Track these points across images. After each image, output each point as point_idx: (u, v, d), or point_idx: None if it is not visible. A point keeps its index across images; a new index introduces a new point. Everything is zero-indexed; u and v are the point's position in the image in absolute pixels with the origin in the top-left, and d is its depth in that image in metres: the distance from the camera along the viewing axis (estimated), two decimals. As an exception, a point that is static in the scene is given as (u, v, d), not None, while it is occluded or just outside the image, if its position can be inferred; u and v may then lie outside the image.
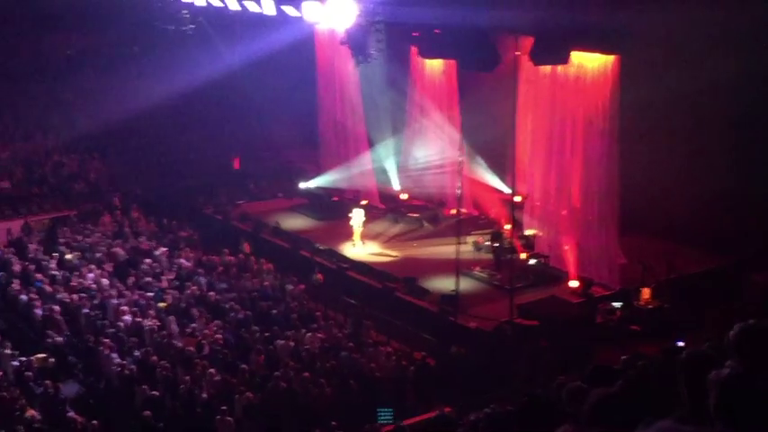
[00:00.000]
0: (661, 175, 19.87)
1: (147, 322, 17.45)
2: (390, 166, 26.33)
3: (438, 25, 19.77)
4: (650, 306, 18.01)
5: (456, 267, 18.82)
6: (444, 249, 21.20)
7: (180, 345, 16.44)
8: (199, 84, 28.21)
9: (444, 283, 19.35)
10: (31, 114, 30.49)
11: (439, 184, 24.93)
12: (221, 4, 23.84)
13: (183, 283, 19.83)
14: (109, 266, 20.91)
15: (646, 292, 18.19)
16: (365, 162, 25.84)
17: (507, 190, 22.07)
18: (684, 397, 3.41)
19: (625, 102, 18.12)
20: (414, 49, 23.76)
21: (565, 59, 18.18)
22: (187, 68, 28.20)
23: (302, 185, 27.18)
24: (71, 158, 28.67)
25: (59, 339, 16.90)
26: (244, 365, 15.56)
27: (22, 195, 26.36)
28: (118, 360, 15.78)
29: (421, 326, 18.20)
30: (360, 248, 22.42)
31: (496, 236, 20.79)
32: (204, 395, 14.55)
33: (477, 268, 20.39)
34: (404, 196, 26.30)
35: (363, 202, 24.82)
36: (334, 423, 13.40)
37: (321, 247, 22.53)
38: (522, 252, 20.64)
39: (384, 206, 25.66)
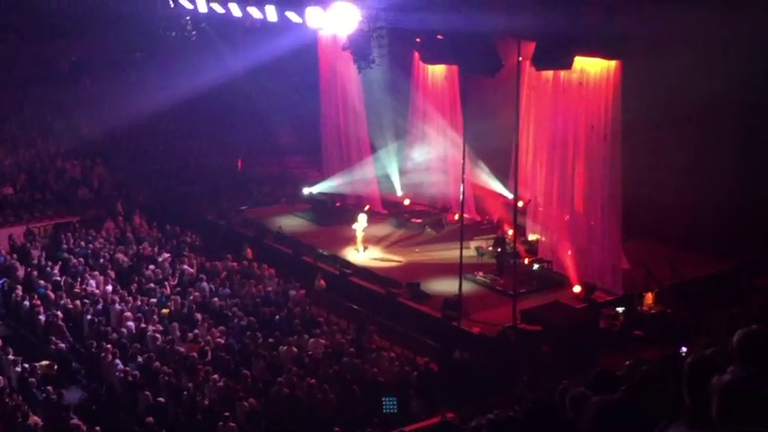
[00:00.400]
0: (664, 180, 19.83)
1: (151, 328, 17.46)
2: (393, 172, 26.33)
3: (440, 31, 19.76)
4: (653, 311, 17.98)
5: (459, 272, 18.81)
6: (447, 254, 21.17)
7: (183, 351, 16.44)
8: (202, 90, 28.26)
9: (447, 288, 19.31)
10: (35, 121, 30.49)
11: (441, 189, 24.97)
12: (224, 11, 23.90)
13: (186, 289, 19.85)
14: (112, 273, 20.94)
15: (649, 297, 18.18)
16: (368, 167, 25.83)
17: (510, 195, 22.05)
18: (687, 403, 3.40)
19: (627, 107, 18.10)
20: (416, 55, 23.73)
21: (567, 65, 18.15)
22: (190, 75, 28.25)
23: (305, 191, 27.20)
24: (74, 164, 28.66)
25: (62, 345, 16.91)
26: (246, 371, 15.54)
27: (25, 201, 26.36)
28: (121, 366, 15.78)
29: (424, 331, 18.16)
30: (362, 254, 22.42)
31: (499, 241, 20.82)
32: (207, 401, 14.54)
33: (480, 273, 20.37)
34: (406, 201, 26.32)
35: (366, 208, 24.80)
36: (337, 429, 13.38)
37: (324, 253, 22.53)
38: (525, 257, 20.68)
39: (386, 211, 25.65)
